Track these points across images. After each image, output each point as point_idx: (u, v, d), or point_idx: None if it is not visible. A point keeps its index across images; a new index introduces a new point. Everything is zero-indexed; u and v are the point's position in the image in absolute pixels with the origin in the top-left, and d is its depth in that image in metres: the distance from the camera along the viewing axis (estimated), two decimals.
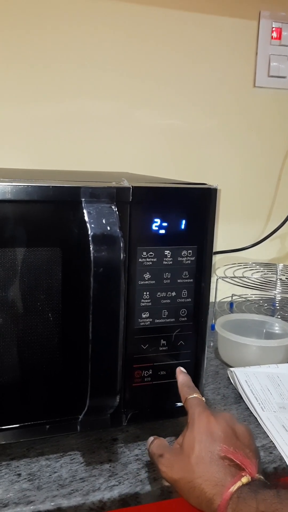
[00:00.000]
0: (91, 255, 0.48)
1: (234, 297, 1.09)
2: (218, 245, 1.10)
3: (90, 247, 0.48)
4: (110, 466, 0.54)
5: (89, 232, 0.49)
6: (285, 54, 1.05)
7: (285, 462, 0.56)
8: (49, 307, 0.52)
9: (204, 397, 0.68)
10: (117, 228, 0.50)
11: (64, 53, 0.93)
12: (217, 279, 0.99)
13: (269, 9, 1.03)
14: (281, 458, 0.57)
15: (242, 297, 1.10)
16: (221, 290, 1.03)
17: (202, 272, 0.57)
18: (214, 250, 1.09)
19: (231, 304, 1.09)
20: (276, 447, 0.59)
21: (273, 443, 0.59)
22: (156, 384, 0.58)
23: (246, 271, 1.07)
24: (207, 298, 0.58)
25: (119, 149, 1.01)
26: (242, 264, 1.09)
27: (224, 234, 1.13)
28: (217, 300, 1.04)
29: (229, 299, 1.10)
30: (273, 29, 1.03)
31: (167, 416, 0.60)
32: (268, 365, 0.77)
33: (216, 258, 1.11)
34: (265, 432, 0.62)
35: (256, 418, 0.65)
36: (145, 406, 0.58)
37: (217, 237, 1.12)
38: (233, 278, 0.99)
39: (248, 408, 0.68)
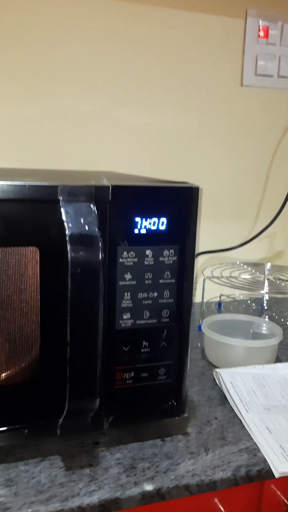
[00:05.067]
0: (69, 255, 0.47)
1: (222, 297, 1.09)
2: (206, 245, 1.10)
3: (67, 247, 0.47)
4: (90, 471, 0.53)
5: (67, 232, 0.48)
6: (272, 52, 1.05)
7: (268, 465, 0.55)
8: (27, 308, 0.51)
9: (189, 398, 0.67)
10: (96, 227, 0.49)
11: (46, 52, 0.92)
12: (204, 279, 0.98)
13: (256, 7, 1.02)
14: (265, 461, 0.56)
15: (230, 297, 1.10)
16: (209, 290, 1.02)
17: (184, 272, 0.56)
18: (201, 250, 1.09)
19: (219, 304, 1.08)
20: (259, 450, 0.58)
21: (257, 446, 0.59)
22: (138, 387, 0.57)
23: (234, 271, 1.06)
24: (189, 298, 0.57)
25: (103, 148, 1.00)
26: (230, 264, 1.09)
27: (212, 234, 1.12)
28: (205, 300, 1.03)
29: (217, 299, 1.09)
30: (260, 27, 1.03)
31: (150, 418, 0.59)
32: (254, 366, 0.76)
33: (203, 258, 1.10)
34: (249, 434, 0.61)
35: (240, 420, 0.64)
36: (127, 408, 0.57)
37: (204, 237, 1.12)
38: (220, 278, 0.99)
39: (233, 409, 0.67)
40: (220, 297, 1.08)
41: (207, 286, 1.00)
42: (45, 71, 0.93)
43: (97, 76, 0.96)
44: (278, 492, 0.60)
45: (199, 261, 1.09)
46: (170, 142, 1.04)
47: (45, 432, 0.54)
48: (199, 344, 0.89)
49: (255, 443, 0.59)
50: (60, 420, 0.52)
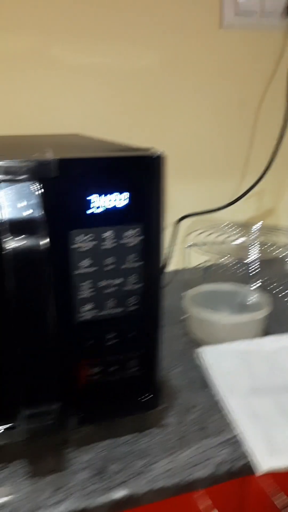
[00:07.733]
0: (4, 246, 0.40)
1: (208, 263, 1.02)
2: (188, 208, 1.02)
3: (2, 237, 0.40)
4: (56, 477, 0.49)
5: (2, 218, 0.40)
6: None
7: (252, 459, 0.51)
8: None
9: (169, 383, 0.62)
10: (37, 211, 0.41)
11: None
12: (188, 247, 0.91)
13: None
14: (249, 455, 0.51)
15: (216, 262, 1.03)
16: (195, 254, 0.95)
17: (151, 253, 0.49)
18: (184, 214, 1.01)
19: (205, 270, 1.02)
20: (243, 441, 0.53)
21: (240, 436, 0.54)
22: (107, 381, 0.51)
23: (219, 234, 0.99)
24: (159, 281, 0.51)
25: (40, 97, 0.87)
26: (216, 227, 1.01)
27: (195, 195, 1.04)
28: (191, 266, 0.97)
29: (204, 264, 1.02)
30: None
31: (124, 413, 0.54)
32: (240, 341, 0.71)
33: (187, 223, 1.03)
34: (232, 423, 0.56)
35: (223, 405, 0.59)
36: (97, 405, 0.52)
37: (186, 199, 1.04)
38: (205, 245, 0.92)
39: (216, 394, 0.62)
40: (206, 263, 1.01)
41: (192, 251, 0.93)
42: None
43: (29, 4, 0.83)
44: (262, 486, 0.55)
45: (182, 226, 1.02)
46: (136, 90, 0.94)
47: (1, 437, 0.49)
48: (183, 317, 0.83)
49: (238, 434, 0.54)
50: (18, 425, 0.47)
